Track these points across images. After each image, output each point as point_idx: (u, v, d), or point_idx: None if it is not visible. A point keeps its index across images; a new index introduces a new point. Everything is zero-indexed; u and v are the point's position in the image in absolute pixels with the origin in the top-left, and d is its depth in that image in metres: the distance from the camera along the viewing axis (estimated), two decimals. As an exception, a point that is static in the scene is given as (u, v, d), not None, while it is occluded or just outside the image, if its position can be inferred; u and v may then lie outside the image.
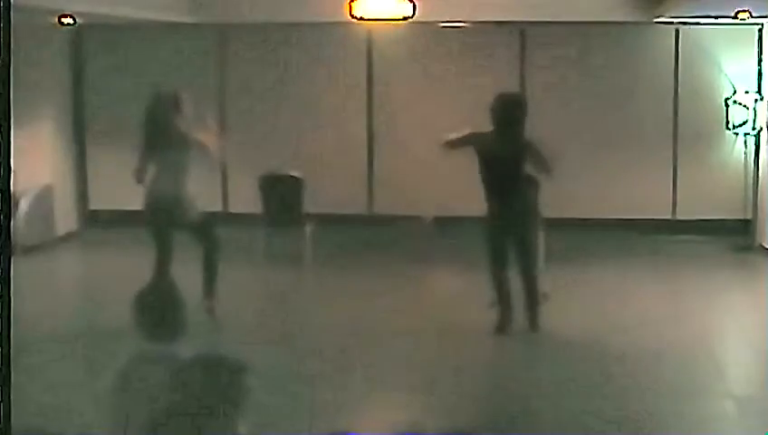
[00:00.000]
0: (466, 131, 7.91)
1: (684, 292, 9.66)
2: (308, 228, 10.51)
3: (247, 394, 3.87)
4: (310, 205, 10.77)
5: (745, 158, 11.80)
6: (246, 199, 11.20)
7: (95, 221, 12.67)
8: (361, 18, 9.97)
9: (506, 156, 7.81)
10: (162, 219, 8.14)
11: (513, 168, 7.85)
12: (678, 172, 12.17)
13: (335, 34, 12.13)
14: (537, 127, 12.39)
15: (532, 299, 8.07)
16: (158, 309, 4.13)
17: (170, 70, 11.95)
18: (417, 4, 9.75)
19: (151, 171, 8.13)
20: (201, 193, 8.36)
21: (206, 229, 8.35)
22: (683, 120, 12.04)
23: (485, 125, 7.82)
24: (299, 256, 10.62)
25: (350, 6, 9.62)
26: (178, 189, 8.10)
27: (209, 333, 7.88)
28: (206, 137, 8.20)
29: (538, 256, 8.28)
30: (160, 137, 8.05)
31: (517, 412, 6.48)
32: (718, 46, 11.90)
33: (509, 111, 7.86)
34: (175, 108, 8.07)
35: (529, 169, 7.90)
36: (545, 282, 8.29)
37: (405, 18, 9.97)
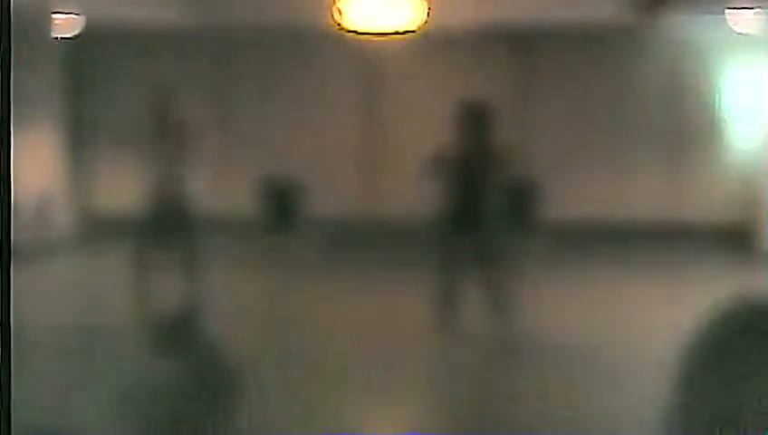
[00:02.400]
0: (441, 144, 8.16)
1: (683, 292, 9.66)
2: (308, 229, 10.53)
3: (246, 395, 3.88)
4: (310, 205, 10.79)
5: (745, 158, 11.80)
6: (246, 199, 11.22)
7: (95, 222, 12.67)
8: (354, 31, 9.98)
9: (476, 162, 8.04)
10: (156, 217, 8.27)
11: (481, 173, 8.07)
12: (678, 172, 12.17)
13: (335, 37, 12.14)
14: (536, 127, 12.44)
15: (499, 302, 8.17)
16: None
17: (170, 71, 11.97)
18: (416, 9, 9.76)
19: (147, 168, 8.26)
20: (195, 192, 8.40)
21: (191, 227, 8.43)
22: (683, 120, 12.05)
23: (459, 133, 8.05)
24: (299, 256, 10.63)
25: (338, 17, 9.64)
26: (172, 187, 8.20)
27: (207, 332, 7.88)
28: (203, 135, 8.37)
29: (505, 261, 8.31)
30: (156, 135, 8.16)
31: (516, 413, 6.49)
32: (718, 46, 11.91)
33: (476, 119, 8.10)
34: (170, 107, 8.18)
35: (499, 173, 8.13)
36: (537, 284, 8.31)
37: (406, 32, 9.97)
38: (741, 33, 11.79)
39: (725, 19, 11.12)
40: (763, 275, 10.00)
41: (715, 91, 11.89)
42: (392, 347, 7.82)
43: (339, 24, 9.72)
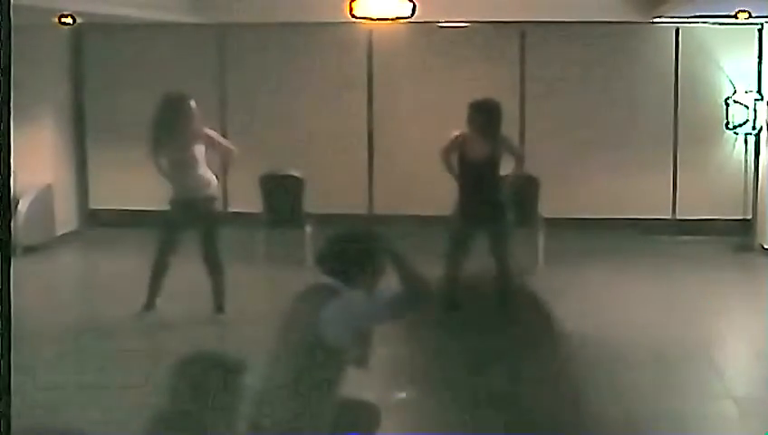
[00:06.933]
0: (452, 138, 8.25)
1: (684, 292, 9.65)
2: (308, 228, 10.50)
3: (247, 393, 3.86)
4: (310, 205, 10.77)
5: (745, 158, 11.80)
6: (247, 198, 11.20)
7: (95, 221, 12.66)
8: (362, 18, 9.99)
9: (484, 157, 8.12)
10: (172, 217, 8.28)
11: (489, 168, 8.15)
12: (678, 172, 12.16)
13: (335, 34, 12.13)
14: (537, 126, 12.40)
15: (504, 295, 8.17)
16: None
17: (170, 70, 11.96)
18: (417, 4, 9.75)
19: (163, 170, 8.27)
20: (207, 193, 8.41)
21: (211, 230, 8.42)
22: (683, 120, 12.03)
23: (468, 129, 8.14)
24: (299, 255, 10.60)
25: (351, 6, 9.65)
26: (188, 188, 8.20)
27: (210, 332, 7.88)
28: (215, 138, 8.43)
29: (511, 254, 8.32)
30: (170, 138, 8.14)
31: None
32: (718, 46, 11.90)
33: (487, 116, 8.18)
34: (184, 110, 8.18)
35: (505, 167, 8.25)
36: (537, 281, 8.30)
37: (405, 18, 9.98)
38: (740, 33, 11.78)
39: (725, 19, 11.11)
40: (763, 273, 9.99)
41: (715, 90, 11.88)
42: (395, 345, 7.81)
43: (354, 17, 9.76)
